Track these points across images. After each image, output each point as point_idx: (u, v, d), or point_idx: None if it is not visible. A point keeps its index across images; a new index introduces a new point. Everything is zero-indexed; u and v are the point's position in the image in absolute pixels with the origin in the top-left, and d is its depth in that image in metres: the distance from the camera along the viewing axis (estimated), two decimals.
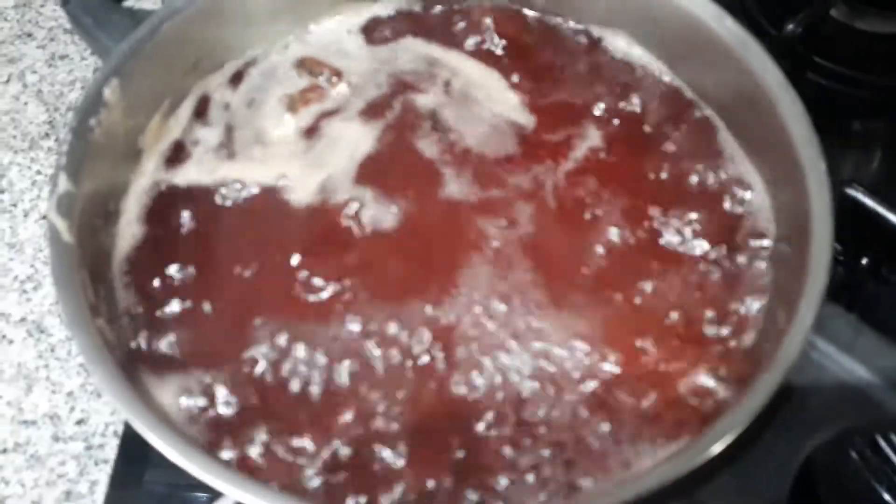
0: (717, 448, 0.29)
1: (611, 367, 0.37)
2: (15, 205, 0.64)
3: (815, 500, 0.37)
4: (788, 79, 0.60)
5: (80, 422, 0.55)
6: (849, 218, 0.56)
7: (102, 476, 0.52)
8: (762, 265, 0.40)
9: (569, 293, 0.39)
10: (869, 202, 0.56)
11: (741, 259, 0.40)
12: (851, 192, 0.57)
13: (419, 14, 0.50)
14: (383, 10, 0.51)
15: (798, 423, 0.32)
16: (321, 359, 0.38)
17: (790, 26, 0.66)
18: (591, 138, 0.45)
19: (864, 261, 0.57)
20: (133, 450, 0.53)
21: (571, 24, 0.50)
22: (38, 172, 0.66)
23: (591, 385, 0.36)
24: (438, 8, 0.50)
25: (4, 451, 0.54)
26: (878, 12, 0.68)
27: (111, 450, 0.53)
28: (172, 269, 0.41)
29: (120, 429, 0.54)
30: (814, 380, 0.32)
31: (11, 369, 0.56)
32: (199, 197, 0.44)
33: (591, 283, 0.40)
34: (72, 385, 0.56)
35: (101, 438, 0.54)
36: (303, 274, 0.41)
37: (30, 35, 0.73)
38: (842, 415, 0.32)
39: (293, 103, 0.47)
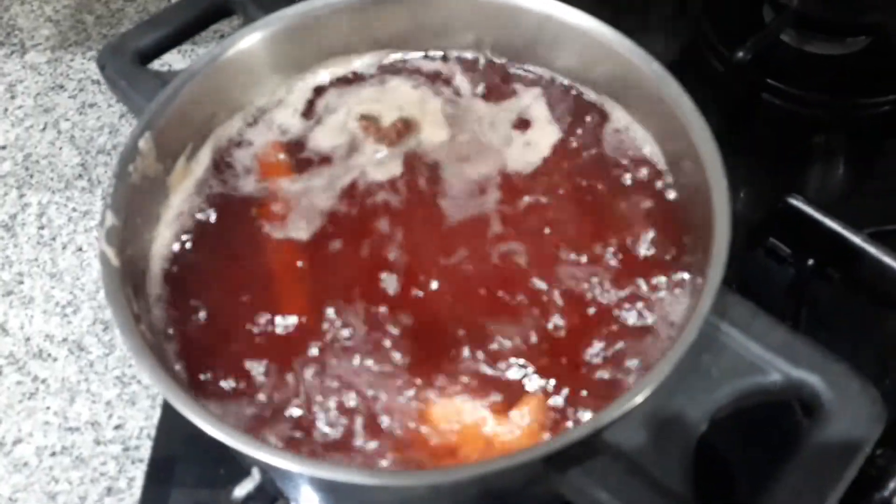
0: (637, 399, 0.36)
1: None
2: (54, 238, 0.71)
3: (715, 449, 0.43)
4: (744, 103, 0.67)
5: (117, 427, 0.61)
6: (794, 225, 0.63)
7: (139, 473, 0.57)
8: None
9: None
10: (809, 210, 0.63)
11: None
12: (794, 201, 0.64)
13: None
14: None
15: (703, 387, 0.39)
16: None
17: (740, 53, 0.73)
18: None
19: (810, 262, 0.64)
20: (165, 449, 0.58)
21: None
22: (74, 210, 0.73)
23: None
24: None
25: (53, 454, 0.59)
26: (826, 37, 0.75)
27: (146, 450, 0.58)
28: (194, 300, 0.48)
29: (153, 432, 0.60)
30: (716, 354, 0.39)
31: (56, 383, 0.63)
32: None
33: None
34: (109, 395, 0.62)
35: (137, 441, 0.60)
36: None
37: (62, 87, 0.80)
38: (737, 380, 0.39)
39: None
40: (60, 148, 0.74)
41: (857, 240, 0.58)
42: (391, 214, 0.49)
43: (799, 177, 0.75)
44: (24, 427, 0.60)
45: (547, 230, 0.47)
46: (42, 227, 0.71)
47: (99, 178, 0.75)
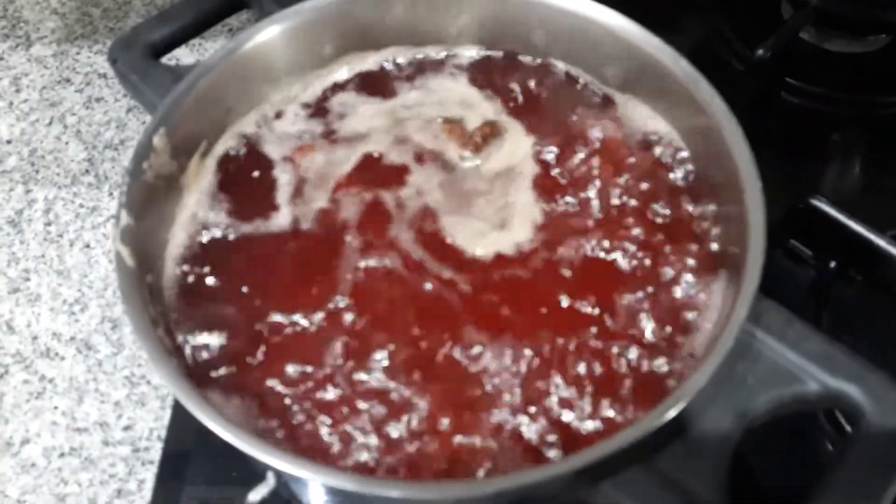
0: (671, 413, 0.35)
1: None
2: (61, 235, 0.70)
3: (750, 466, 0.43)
4: (763, 101, 0.65)
5: (126, 428, 0.59)
6: (815, 226, 0.62)
7: (149, 475, 0.56)
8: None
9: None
10: (832, 212, 0.62)
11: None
12: (817, 203, 0.63)
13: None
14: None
15: (738, 396, 0.38)
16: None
17: (760, 51, 0.72)
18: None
19: (833, 264, 0.63)
20: (175, 451, 0.57)
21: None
22: (81, 206, 0.71)
23: None
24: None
25: (62, 455, 0.58)
26: (845, 35, 0.74)
27: (156, 452, 0.57)
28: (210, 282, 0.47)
29: (163, 433, 0.59)
30: (752, 362, 0.38)
31: (64, 383, 0.61)
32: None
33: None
34: (118, 395, 0.61)
35: (147, 442, 0.59)
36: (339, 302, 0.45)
37: (68, 80, 0.79)
38: (773, 389, 0.38)
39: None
40: (67, 143, 0.73)
41: (881, 242, 0.57)
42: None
43: (817, 176, 0.74)
44: (31, 427, 0.58)
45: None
46: (49, 224, 0.70)
47: (106, 174, 0.73)
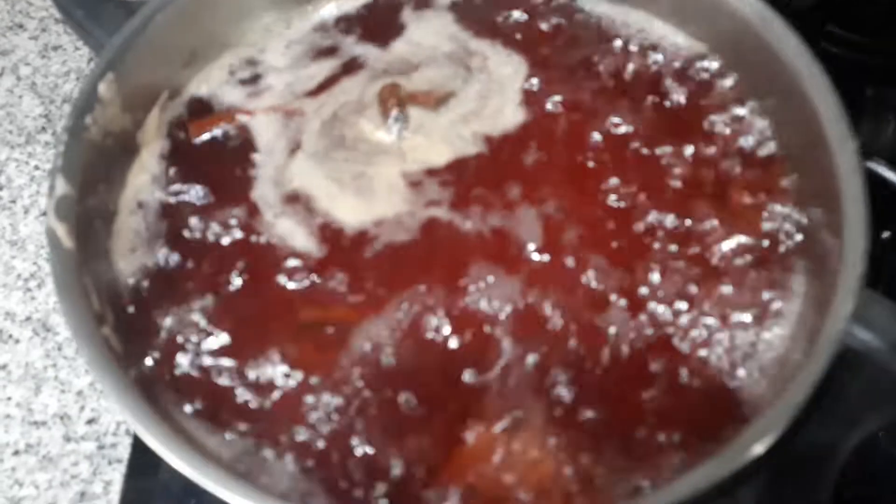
0: (757, 449, 0.28)
1: None
2: (14, 201, 0.63)
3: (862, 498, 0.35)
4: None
5: (90, 421, 0.54)
6: (869, 191, 0.55)
7: (117, 476, 0.52)
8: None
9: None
10: (889, 175, 0.55)
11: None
12: (873, 165, 0.55)
13: None
14: None
15: (837, 417, 0.30)
16: None
17: None
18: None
19: (886, 234, 0.56)
20: (147, 448, 0.52)
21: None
22: (37, 168, 0.65)
23: None
24: None
25: (16, 452, 0.53)
26: None
27: (124, 449, 0.53)
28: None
29: (132, 428, 0.54)
30: (852, 371, 0.31)
31: (19, 370, 0.56)
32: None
33: None
34: (81, 384, 0.56)
35: (114, 437, 0.54)
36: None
37: (21, 26, 0.71)
38: (881, 406, 0.31)
39: None
40: (20, 97, 0.67)
41: None
42: None
43: (860, 131, 0.67)
44: None
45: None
46: (0, 188, 0.64)
47: None
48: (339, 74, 0.47)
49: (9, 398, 0.55)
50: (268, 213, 0.43)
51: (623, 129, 0.44)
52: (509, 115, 0.45)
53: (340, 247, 0.41)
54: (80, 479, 0.52)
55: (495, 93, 0.46)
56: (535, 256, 0.40)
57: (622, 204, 0.41)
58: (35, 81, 0.68)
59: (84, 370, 0.56)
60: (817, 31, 0.66)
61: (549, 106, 0.45)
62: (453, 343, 0.38)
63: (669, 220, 0.41)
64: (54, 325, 0.58)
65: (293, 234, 0.42)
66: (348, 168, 0.44)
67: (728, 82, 0.46)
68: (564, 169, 0.43)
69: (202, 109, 0.45)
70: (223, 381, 0.37)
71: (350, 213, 0.43)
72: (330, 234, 0.42)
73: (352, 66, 0.48)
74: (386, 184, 0.44)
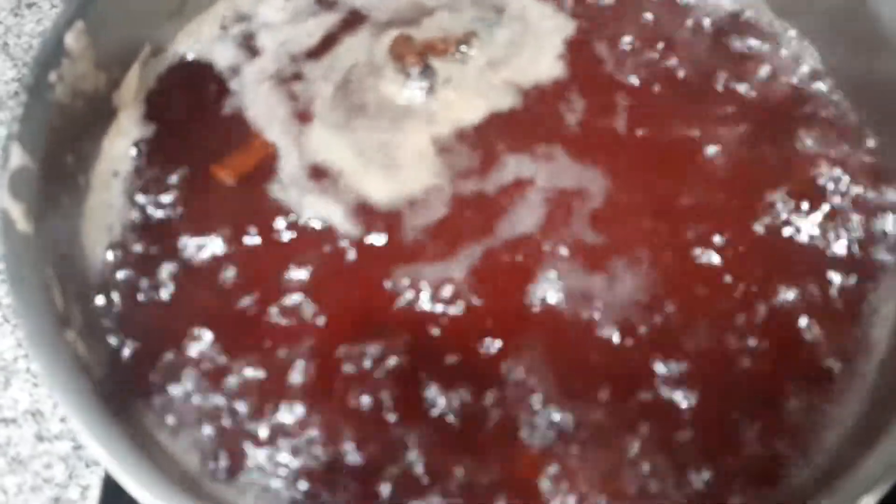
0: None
1: None
2: None
3: None
4: None
5: (65, 418, 0.50)
6: None
7: (95, 480, 0.48)
8: None
9: None
10: None
11: None
12: None
13: None
14: None
15: None
16: None
17: None
18: None
19: None
20: None
21: None
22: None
23: None
24: None
25: None
26: None
27: None
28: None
29: None
30: None
31: None
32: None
33: None
34: None
35: None
36: None
37: None
38: None
39: None
40: None
41: None
42: None
43: None
44: None
45: None
46: None
47: None
48: (339, 32, 0.44)
49: None
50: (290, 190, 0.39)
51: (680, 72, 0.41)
52: (545, 68, 0.42)
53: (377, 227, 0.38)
54: (53, 484, 0.48)
55: (530, 43, 0.43)
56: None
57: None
58: (7, 42, 0.63)
59: None
60: None
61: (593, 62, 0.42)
62: None
63: None
64: None
65: (328, 213, 0.39)
66: (372, 138, 0.41)
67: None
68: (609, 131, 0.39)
69: (190, 73, 0.41)
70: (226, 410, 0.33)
71: (379, 190, 0.40)
72: (365, 212, 0.39)
73: (352, 21, 0.44)
74: (414, 154, 0.40)
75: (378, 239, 0.37)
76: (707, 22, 0.43)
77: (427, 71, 0.42)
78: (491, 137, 0.40)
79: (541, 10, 0.44)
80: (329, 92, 0.42)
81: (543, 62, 0.42)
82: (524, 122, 0.40)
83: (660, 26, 0.43)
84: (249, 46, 0.43)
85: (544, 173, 0.39)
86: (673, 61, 0.42)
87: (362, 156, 0.40)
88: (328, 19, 0.44)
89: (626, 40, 0.43)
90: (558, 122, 0.40)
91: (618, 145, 0.40)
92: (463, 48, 0.43)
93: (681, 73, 0.42)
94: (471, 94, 0.41)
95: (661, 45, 0.42)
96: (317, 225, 0.38)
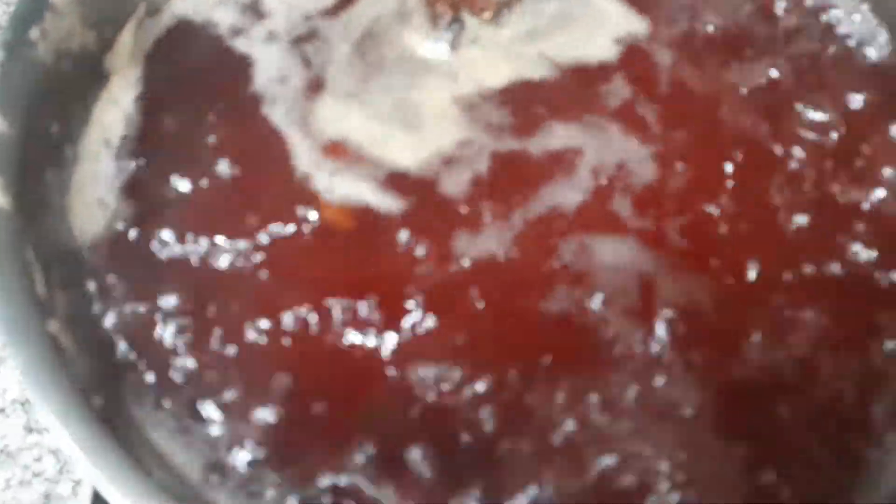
0: None
1: None
2: None
3: None
4: None
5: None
6: None
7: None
8: None
9: None
10: None
11: None
12: None
13: None
14: None
15: None
16: None
17: None
18: None
19: None
20: None
21: None
22: None
23: None
24: None
25: None
26: None
27: None
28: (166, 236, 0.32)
29: None
30: None
31: None
32: None
33: None
34: None
35: None
36: None
37: None
38: None
39: None
40: None
41: None
42: None
43: None
44: None
45: None
46: None
47: None
48: None
49: None
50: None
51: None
52: (595, 49, 0.38)
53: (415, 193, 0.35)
54: (43, 478, 0.47)
55: (585, 21, 0.40)
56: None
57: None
58: None
59: None
60: None
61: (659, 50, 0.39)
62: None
63: None
64: None
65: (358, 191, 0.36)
66: (387, 99, 0.38)
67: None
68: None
69: (190, 36, 0.38)
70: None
71: (405, 152, 0.37)
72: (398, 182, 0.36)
73: None
74: (437, 112, 0.38)
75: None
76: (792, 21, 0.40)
77: (456, 24, 0.39)
78: (521, 100, 0.37)
79: None
80: (345, 53, 0.38)
81: (596, 43, 0.39)
82: (557, 92, 0.37)
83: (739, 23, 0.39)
84: (255, 9, 0.40)
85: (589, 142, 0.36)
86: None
87: (380, 120, 0.37)
88: None
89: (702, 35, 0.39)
90: (595, 98, 0.37)
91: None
92: (505, 11, 0.39)
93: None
94: (498, 58, 0.39)
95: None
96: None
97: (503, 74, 0.39)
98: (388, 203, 0.35)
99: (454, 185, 0.35)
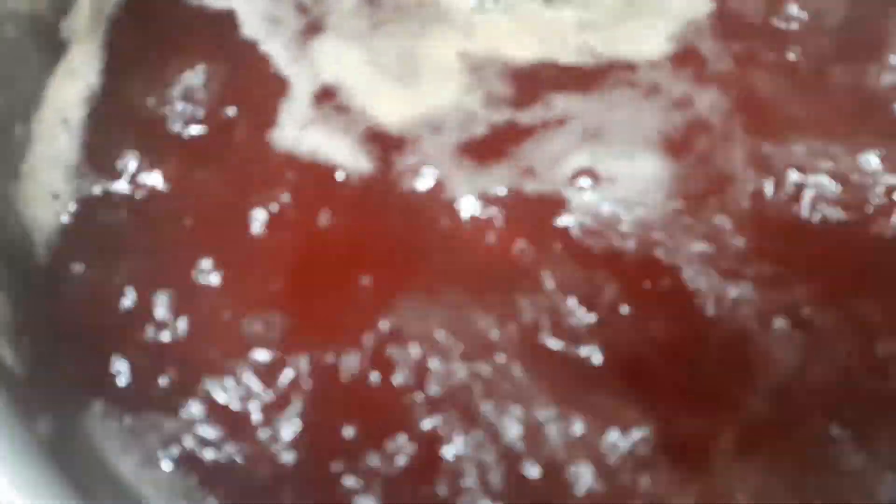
0: None
1: None
2: None
3: None
4: None
5: None
6: None
7: None
8: None
9: None
10: None
11: None
12: None
13: None
14: None
15: None
16: None
17: None
18: None
19: None
20: None
21: None
22: None
23: None
24: None
25: None
26: None
27: None
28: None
29: None
30: None
31: None
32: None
33: None
34: None
35: None
36: None
37: None
38: None
39: None
40: None
41: None
42: None
43: None
44: None
45: None
46: None
47: None
48: None
49: None
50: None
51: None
52: (649, 45, 0.33)
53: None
54: None
55: (642, 18, 0.34)
56: None
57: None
58: None
59: None
60: None
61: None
62: None
63: None
64: None
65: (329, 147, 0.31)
66: (392, 45, 0.33)
67: None
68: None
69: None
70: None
71: (392, 107, 0.32)
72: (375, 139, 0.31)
73: None
74: (437, 66, 0.33)
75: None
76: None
77: None
78: (538, 79, 0.32)
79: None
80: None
81: (650, 41, 0.33)
82: (591, 77, 0.32)
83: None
84: None
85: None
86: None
87: (378, 67, 0.32)
88: None
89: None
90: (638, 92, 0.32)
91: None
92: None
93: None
94: (526, 31, 0.33)
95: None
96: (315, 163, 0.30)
97: (528, 49, 0.33)
98: (357, 162, 0.30)
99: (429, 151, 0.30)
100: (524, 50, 0.32)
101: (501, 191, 0.29)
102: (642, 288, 0.28)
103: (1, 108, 0.28)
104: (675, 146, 0.30)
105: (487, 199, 0.29)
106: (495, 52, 0.32)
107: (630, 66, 0.32)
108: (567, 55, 0.32)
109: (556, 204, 0.29)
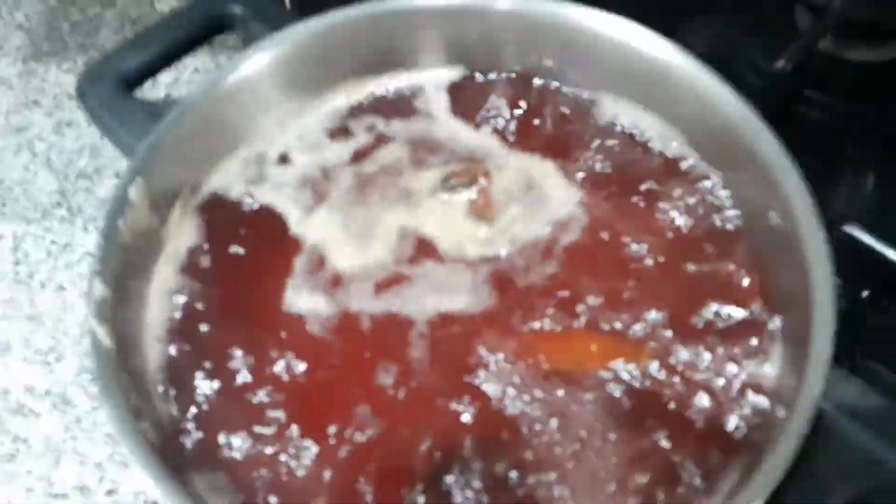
0: None
1: None
2: (31, 276, 0.65)
3: None
4: (779, 116, 0.62)
5: (110, 492, 0.55)
6: (847, 253, 0.58)
7: None
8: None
9: None
10: (865, 238, 0.58)
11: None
12: (848, 229, 0.59)
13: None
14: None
15: (809, 490, 0.33)
16: None
17: (780, 62, 0.68)
18: None
19: (865, 293, 0.59)
20: None
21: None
22: (53, 242, 0.66)
23: None
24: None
25: None
26: (866, 42, 0.70)
27: None
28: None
29: (153, 498, 0.53)
30: (822, 446, 0.33)
31: (39, 444, 0.57)
32: None
33: None
34: (100, 455, 0.57)
35: None
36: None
37: (36, 103, 0.73)
38: (851, 478, 0.33)
39: None
40: (35, 173, 0.68)
41: None
42: None
43: (836, 195, 0.70)
44: (2, 494, 0.54)
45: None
46: (18, 263, 0.65)
47: (80, 207, 0.68)
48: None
49: (29, 471, 0.56)
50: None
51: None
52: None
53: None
54: None
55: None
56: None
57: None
58: (50, 157, 0.69)
59: (103, 441, 0.57)
60: (795, 96, 0.69)
61: None
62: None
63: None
64: (72, 398, 0.59)
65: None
66: (365, 215, 0.45)
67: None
68: None
69: (222, 205, 0.46)
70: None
71: (346, 257, 0.43)
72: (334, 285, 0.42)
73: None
74: (385, 230, 0.44)
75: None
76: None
77: (458, 186, 0.44)
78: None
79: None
80: (349, 180, 0.46)
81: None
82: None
83: None
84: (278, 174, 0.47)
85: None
86: None
87: (346, 229, 0.44)
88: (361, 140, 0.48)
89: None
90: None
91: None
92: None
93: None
94: (454, 225, 0.44)
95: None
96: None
97: (453, 239, 0.44)
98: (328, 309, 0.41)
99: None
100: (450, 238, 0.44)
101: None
102: None
103: (132, 288, 0.41)
104: None
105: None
106: (428, 229, 0.44)
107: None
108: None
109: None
